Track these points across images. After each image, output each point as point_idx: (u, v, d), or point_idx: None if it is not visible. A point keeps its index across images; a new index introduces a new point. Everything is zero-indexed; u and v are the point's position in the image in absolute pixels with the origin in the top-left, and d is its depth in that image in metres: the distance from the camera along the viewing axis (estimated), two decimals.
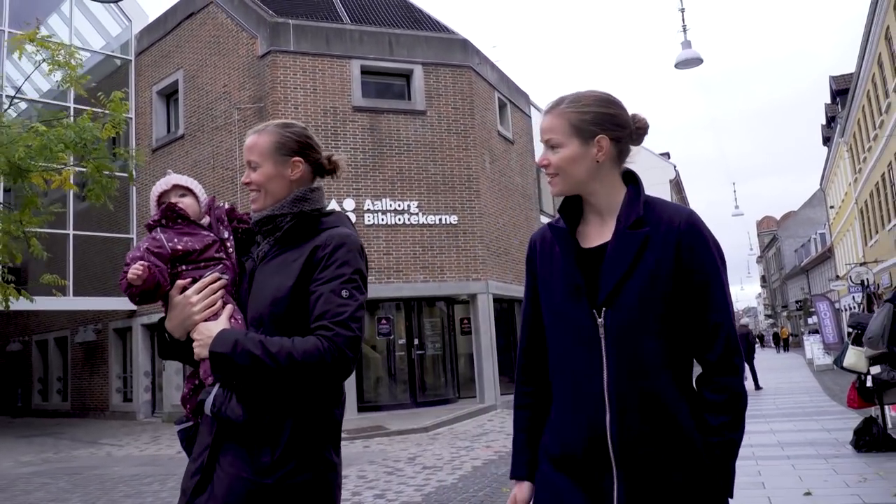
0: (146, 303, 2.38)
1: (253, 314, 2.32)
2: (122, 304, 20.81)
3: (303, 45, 18.39)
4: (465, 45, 20.24)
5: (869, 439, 8.84)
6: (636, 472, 1.99)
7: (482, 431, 14.44)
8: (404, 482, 9.19)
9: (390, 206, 18.34)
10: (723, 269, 2.10)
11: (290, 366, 2.15)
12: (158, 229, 2.43)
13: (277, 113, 17.54)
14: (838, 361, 9.50)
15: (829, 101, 43.79)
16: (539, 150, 25.31)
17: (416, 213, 18.57)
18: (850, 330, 9.58)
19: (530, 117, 25.35)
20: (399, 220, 18.36)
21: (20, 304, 11.60)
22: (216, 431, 2.27)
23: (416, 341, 19.04)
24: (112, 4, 23.76)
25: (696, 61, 15.48)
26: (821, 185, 53.01)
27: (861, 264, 29.19)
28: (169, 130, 22.14)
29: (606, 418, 2.01)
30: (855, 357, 8.88)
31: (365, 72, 18.88)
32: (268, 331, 2.25)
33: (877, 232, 31.09)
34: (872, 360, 8.70)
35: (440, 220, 18.67)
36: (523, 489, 2.23)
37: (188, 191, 2.53)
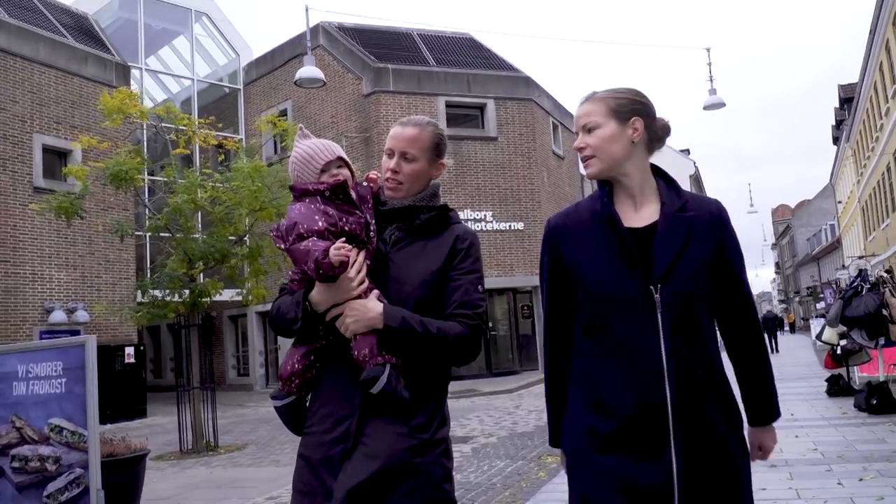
0: (328, 282, 2.34)
1: (398, 295, 2.41)
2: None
3: (400, 85, 22.86)
4: (528, 81, 24.69)
5: (837, 388, 13.17)
6: (693, 441, 2.11)
7: None
8: (522, 418, 13.62)
9: (470, 215, 22.85)
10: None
11: (444, 345, 2.36)
12: (319, 199, 2.41)
13: (382, 143, 21.91)
14: (819, 336, 13.90)
15: (837, 105, 47.78)
16: None
17: (491, 221, 23.10)
18: (826, 315, 13.97)
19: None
20: (477, 227, 22.86)
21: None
22: (362, 403, 2.34)
23: (490, 324, 23.58)
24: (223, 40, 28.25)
25: (720, 105, 19.71)
26: (830, 180, 56.97)
27: (860, 257, 33.18)
28: (275, 152, 26.57)
29: (666, 390, 2.11)
30: (828, 334, 13.21)
31: (448, 105, 23.41)
32: (411, 311, 2.37)
33: (874, 229, 35.40)
34: (841, 336, 13.03)
35: (510, 226, 23.15)
36: None
37: (345, 163, 2.52)
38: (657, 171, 2.36)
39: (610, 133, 2.25)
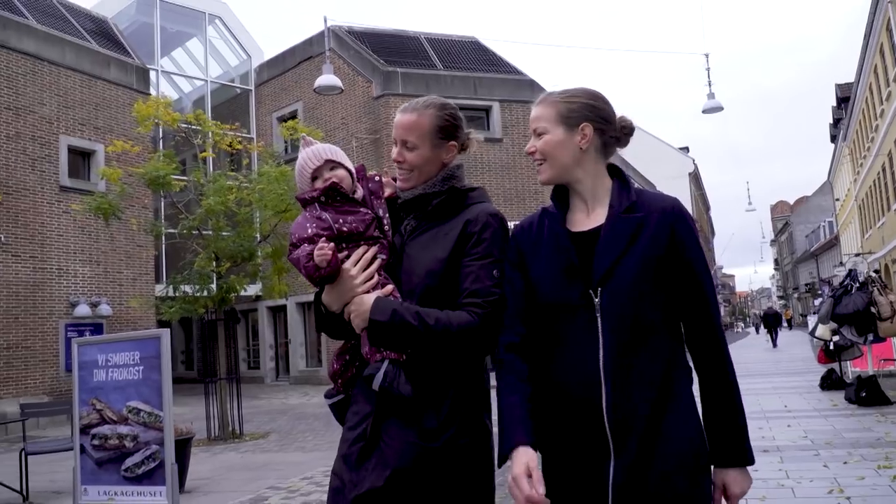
0: (327, 283, 2.34)
1: (407, 287, 2.35)
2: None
3: (408, 88, 23.53)
4: (531, 84, 25.35)
5: (829, 382, 13.86)
6: (633, 450, 2.01)
7: None
8: None
9: None
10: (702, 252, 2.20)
11: (446, 337, 2.23)
12: (317, 206, 2.40)
13: (391, 145, 22.61)
14: (812, 332, 14.62)
15: (834, 104, 48.41)
16: None
17: None
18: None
19: None
20: None
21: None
22: (377, 402, 2.29)
23: None
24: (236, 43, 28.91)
25: (719, 109, 20.41)
26: (828, 177, 57.61)
27: (857, 255, 33.83)
28: (287, 151, 27.27)
29: (602, 397, 2.03)
30: (821, 330, 13.93)
31: None
32: (420, 302, 2.28)
33: (871, 227, 36.13)
34: (833, 332, 13.74)
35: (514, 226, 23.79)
36: (531, 454, 2.04)
37: (338, 164, 2.47)
38: (615, 173, 2.28)
39: (557, 139, 2.21)
